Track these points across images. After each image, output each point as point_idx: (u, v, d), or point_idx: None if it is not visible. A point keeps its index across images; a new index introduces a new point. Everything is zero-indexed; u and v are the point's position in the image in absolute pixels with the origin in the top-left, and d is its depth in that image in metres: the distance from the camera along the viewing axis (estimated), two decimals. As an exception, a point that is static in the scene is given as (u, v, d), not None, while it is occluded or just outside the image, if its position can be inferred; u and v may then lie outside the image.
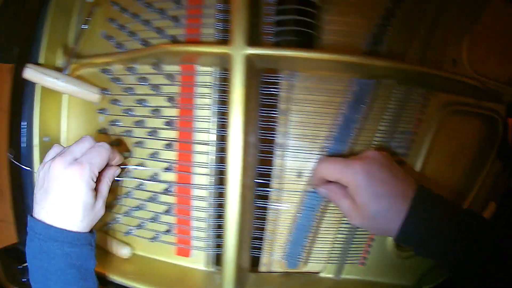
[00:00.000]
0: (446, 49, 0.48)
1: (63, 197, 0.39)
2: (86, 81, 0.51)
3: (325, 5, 0.47)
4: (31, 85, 0.52)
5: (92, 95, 0.50)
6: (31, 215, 0.40)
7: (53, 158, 0.40)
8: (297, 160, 0.47)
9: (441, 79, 0.46)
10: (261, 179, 0.47)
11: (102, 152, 0.42)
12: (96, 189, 0.42)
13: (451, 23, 0.48)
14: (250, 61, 0.42)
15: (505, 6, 0.51)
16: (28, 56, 0.52)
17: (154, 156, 0.48)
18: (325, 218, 0.48)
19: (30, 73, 0.49)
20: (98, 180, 0.42)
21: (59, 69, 0.52)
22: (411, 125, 0.48)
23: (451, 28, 0.48)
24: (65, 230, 0.39)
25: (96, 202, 0.42)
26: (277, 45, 0.46)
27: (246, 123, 0.42)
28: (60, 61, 0.53)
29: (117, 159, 0.46)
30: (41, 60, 0.52)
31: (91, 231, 0.42)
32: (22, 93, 0.52)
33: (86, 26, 0.51)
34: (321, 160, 0.46)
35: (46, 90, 0.52)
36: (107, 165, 0.44)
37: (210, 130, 0.46)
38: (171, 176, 0.48)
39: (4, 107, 0.69)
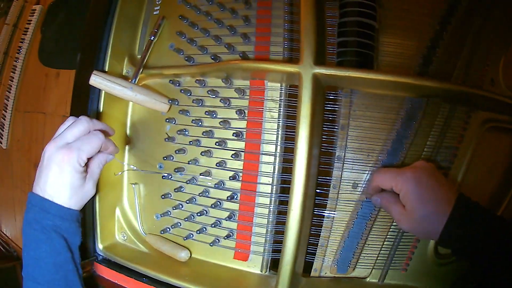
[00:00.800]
0: (486, 69, 0.52)
1: (53, 177, 0.43)
2: (153, 91, 0.54)
3: (381, 28, 0.51)
4: (96, 92, 0.54)
5: (161, 104, 0.52)
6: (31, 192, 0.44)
7: (50, 143, 0.44)
8: (353, 171, 0.51)
9: (482, 98, 0.50)
10: (320, 189, 0.51)
11: (93, 141, 0.44)
12: (86, 171, 0.45)
13: (490, 45, 0.52)
14: (317, 79, 0.46)
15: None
16: (94, 63, 0.55)
17: (220, 165, 0.51)
18: (375, 226, 0.52)
19: (97, 80, 0.52)
20: (89, 163, 0.45)
21: (125, 78, 0.55)
22: (454, 141, 0.52)
23: (490, 49, 0.52)
24: (57, 204, 0.43)
25: (86, 183, 0.45)
26: (340, 64, 0.50)
27: (312, 136, 0.46)
28: (125, 69, 0.55)
29: (111, 149, 0.48)
30: (106, 67, 0.55)
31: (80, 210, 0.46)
32: (85, 99, 0.55)
33: (153, 38, 0.54)
34: (376, 171, 0.50)
35: (111, 98, 0.54)
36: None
37: (275, 142, 0.50)
38: (236, 184, 0.51)
39: (50, 111, 0.71)
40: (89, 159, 0.45)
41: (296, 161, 0.45)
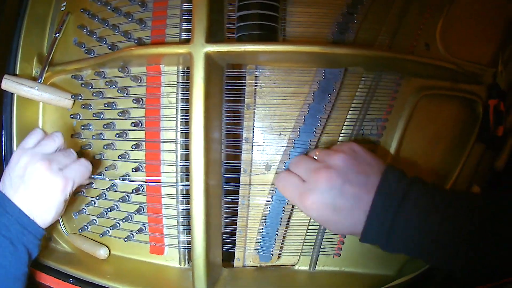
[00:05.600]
0: (418, 33, 0.47)
1: (42, 199, 0.42)
2: (59, 88, 0.52)
3: (288, -3, 0.46)
4: (9, 95, 0.54)
5: (64, 101, 0.50)
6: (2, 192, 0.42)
7: (42, 159, 0.42)
8: (265, 153, 0.47)
9: (412, 63, 0.45)
10: (229, 174, 0.48)
11: (85, 173, 0.45)
12: None
13: (423, 7, 0.46)
14: (210, 58, 0.42)
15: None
16: (5, 67, 0.54)
17: (123, 157, 0.48)
18: (295, 210, 0.47)
19: (8, 83, 0.51)
20: None
21: (34, 78, 0.54)
22: (382, 112, 0.47)
23: (423, 12, 0.47)
24: (36, 224, 0.42)
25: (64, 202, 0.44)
26: (240, 40, 0.46)
27: (208, 119, 0.41)
28: (35, 70, 0.54)
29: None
30: (18, 70, 0.54)
31: None
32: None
33: (58, 34, 0.53)
34: (291, 161, 0.44)
35: (23, 100, 0.53)
36: None
37: (175, 128, 0.47)
38: (141, 176, 0.48)
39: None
40: None
41: (192, 147, 0.41)
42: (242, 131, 0.47)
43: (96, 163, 0.50)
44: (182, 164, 0.47)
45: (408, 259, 0.50)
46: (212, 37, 0.43)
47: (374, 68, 0.47)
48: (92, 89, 0.50)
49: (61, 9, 0.55)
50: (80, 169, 0.44)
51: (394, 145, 0.48)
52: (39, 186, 0.41)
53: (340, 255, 0.49)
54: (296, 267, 0.50)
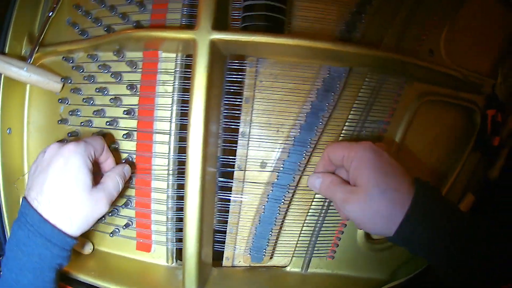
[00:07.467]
0: (422, 39, 0.45)
1: (56, 172, 0.35)
2: (48, 70, 0.47)
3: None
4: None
5: (53, 84, 0.46)
6: (25, 199, 0.35)
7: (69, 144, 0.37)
8: (261, 149, 0.44)
9: (417, 67, 0.43)
10: (224, 170, 0.44)
11: (97, 139, 0.39)
12: (100, 182, 0.38)
13: (430, 13, 0.45)
14: (215, 46, 0.39)
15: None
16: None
17: (113, 146, 0.44)
18: (290, 210, 0.44)
19: None
20: (103, 178, 0.39)
21: (23, 58, 0.49)
22: (384, 115, 0.45)
23: (429, 18, 0.45)
24: (61, 231, 0.35)
25: (97, 192, 0.37)
26: (245, 30, 0.42)
27: (208, 110, 0.38)
28: (24, 49, 0.49)
29: (110, 161, 0.42)
30: (7, 49, 0.49)
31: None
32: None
33: (51, 13, 0.48)
34: (328, 145, 0.41)
35: (8, 81, 0.48)
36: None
37: (170, 119, 0.43)
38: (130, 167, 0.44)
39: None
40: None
41: (189, 138, 0.38)
42: (239, 125, 0.43)
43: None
44: (175, 157, 0.43)
45: (400, 263, 0.48)
46: (217, 24, 0.39)
47: (379, 70, 0.45)
48: (83, 73, 0.46)
49: (56, -12, 0.50)
50: (91, 138, 0.40)
51: (393, 149, 0.46)
52: (51, 163, 0.35)
53: (334, 257, 0.47)
54: (288, 269, 0.46)
